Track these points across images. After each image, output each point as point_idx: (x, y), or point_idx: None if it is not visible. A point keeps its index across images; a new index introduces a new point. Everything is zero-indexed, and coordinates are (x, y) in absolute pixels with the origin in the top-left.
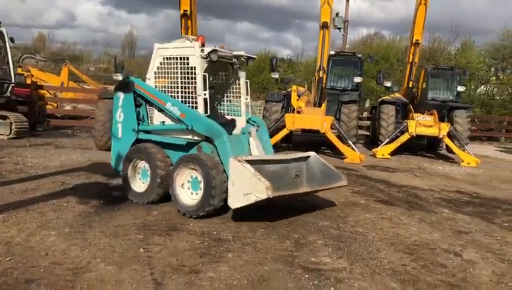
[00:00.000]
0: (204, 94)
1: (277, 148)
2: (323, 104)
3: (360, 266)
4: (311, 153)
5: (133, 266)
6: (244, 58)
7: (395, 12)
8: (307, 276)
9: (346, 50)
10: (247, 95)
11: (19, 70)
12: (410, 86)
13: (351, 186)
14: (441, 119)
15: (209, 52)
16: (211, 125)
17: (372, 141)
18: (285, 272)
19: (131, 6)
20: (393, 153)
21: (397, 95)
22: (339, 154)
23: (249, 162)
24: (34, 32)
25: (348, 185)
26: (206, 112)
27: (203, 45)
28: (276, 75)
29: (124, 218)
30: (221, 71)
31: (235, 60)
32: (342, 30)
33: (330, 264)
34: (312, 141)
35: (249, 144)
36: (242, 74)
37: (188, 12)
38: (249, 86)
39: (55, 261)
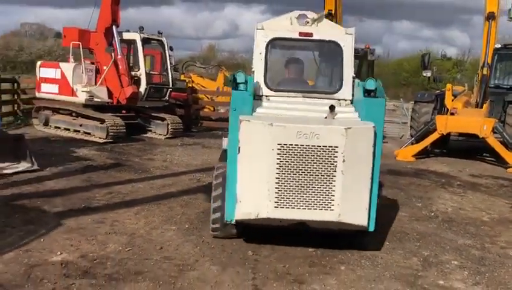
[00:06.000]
0: None
1: (428, 153)
2: (484, 105)
3: None
4: None
5: (237, 269)
6: None
7: None
8: None
9: None
10: None
11: (182, 77)
12: None
13: None
14: None
15: None
16: None
17: None
18: None
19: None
20: None
21: None
22: (503, 162)
23: None
24: (204, 43)
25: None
26: None
27: None
28: (428, 74)
29: None
30: None
31: None
32: None
33: None
34: (473, 147)
35: None
36: None
37: (333, 12)
38: None
39: (167, 256)
